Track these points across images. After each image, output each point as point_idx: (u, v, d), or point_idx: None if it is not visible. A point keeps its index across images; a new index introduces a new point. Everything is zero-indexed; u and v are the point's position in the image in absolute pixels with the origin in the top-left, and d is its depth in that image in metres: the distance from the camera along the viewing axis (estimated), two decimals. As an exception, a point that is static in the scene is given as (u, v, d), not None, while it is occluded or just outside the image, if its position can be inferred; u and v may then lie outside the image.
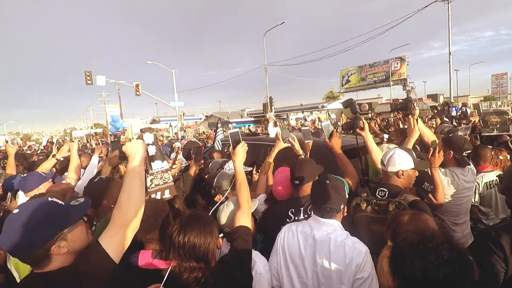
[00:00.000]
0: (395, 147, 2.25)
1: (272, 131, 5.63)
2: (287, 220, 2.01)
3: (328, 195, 1.65)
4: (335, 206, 1.66)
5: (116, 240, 1.21)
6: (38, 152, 10.84)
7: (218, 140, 6.51)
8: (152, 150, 1.53)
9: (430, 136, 3.13)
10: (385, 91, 38.50)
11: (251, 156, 2.76)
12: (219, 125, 6.88)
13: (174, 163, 2.56)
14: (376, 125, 6.91)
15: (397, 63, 33.90)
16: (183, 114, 29.82)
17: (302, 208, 2.05)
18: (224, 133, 6.93)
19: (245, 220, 1.69)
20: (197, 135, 23.03)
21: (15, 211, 1.17)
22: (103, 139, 24.24)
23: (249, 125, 40.09)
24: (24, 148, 16.33)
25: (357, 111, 2.76)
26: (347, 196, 1.76)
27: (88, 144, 21.56)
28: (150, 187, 1.89)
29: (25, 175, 3.16)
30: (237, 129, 2.15)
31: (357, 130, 2.66)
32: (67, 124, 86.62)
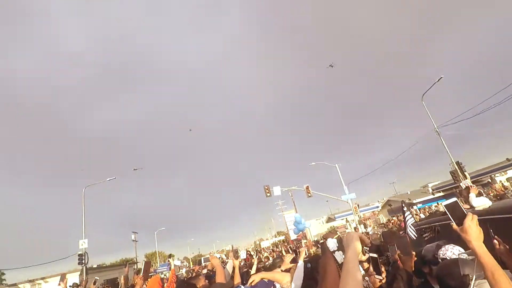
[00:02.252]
0: None
1: (478, 202, 4.33)
2: None
3: None
4: None
5: None
6: (241, 264, 12.40)
7: (409, 226, 5.38)
8: (339, 257, 1.28)
9: None
10: None
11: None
12: (404, 209, 5.79)
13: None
14: None
15: None
16: (358, 206, 28.25)
17: None
18: (410, 215, 5.77)
19: None
20: (382, 225, 20.57)
21: None
22: (290, 245, 25.51)
23: (439, 202, 32.98)
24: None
25: None
26: None
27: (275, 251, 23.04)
28: None
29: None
30: (454, 198, 1.56)
31: None
32: (255, 236, 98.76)
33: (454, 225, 1.48)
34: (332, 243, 1.44)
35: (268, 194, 24.98)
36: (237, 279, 3.87)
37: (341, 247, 1.56)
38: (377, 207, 46.63)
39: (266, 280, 2.66)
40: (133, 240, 34.91)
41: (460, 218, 1.47)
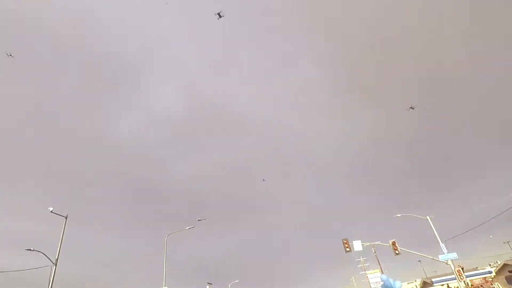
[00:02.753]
0: None
1: None
2: None
3: None
4: None
5: None
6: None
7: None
8: None
9: None
10: None
11: None
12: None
13: None
14: None
15: None
16: (462, 269, 23.21)
17: None
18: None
19: None
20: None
21: None
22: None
23: None
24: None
25: None
26: None
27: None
28: None
29: None
30: None
31: None
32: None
33: None
34: None
35: (348, 249, 22.67)
36: None
37: None
38: (490, 272, 37.52)
39: None
40: (208, 291, 35.01)
41: None
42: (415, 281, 46.53)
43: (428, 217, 24.50)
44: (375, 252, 32.28)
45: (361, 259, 45.66)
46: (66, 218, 19.43)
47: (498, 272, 35.27)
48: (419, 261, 46.54)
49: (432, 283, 40.09)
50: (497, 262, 38.95)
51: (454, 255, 22.12)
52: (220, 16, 34.58)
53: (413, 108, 39.61)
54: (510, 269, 30.73)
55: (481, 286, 27.66)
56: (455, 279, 22.66)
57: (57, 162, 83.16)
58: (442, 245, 22.69)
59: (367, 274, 40.92)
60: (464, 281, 22.06)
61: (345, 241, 22.84)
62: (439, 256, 22.32)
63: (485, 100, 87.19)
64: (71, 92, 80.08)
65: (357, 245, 22.62)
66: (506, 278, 30.51)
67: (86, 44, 76.21)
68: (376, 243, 25.52)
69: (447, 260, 21.88)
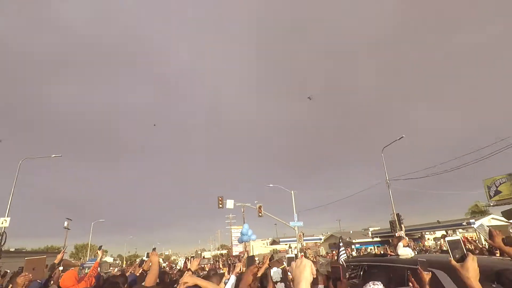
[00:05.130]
0: None
1: (402, 251, 5.04)
2: None
3: None
4: None
5: None
6: (175, 271, 12.41)
7: (341, 261, 6.00)
8: None
9: None
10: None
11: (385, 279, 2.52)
12: (341, 244, 6.43)
13: None
14: None
15: None
16: (303, 234, 29.23)
17: None
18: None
19: None
20: (319, 257, 21.50)
21: None
22: (230, 259, 25.53)
23: (376, 246, 35.10)
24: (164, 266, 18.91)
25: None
26: None
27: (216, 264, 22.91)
28: None
29: None
30: (458, 237, 1.96)
31: None
32: (199, 245, 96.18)
33: (453, 261, 1.61)
34: (276, 274, 1.58)
35: (220, 206, 25.03)
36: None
37: (284, 278, 1.60)
38: (320, 239, 48.44)
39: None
40: (65, 227, 32.17)
41: (460, 255, 1.69)
42: (267, 239, 55.46)
43: (292, 192, 29.32)
44: (243, 212, 36.55)
45: (230, 216, 50.90)
46: None
47: (325, 240, 46.09)
48: (275, 224, 55.41)
49: (279, 242, 48.84)
50: (327, 233, 50.53)
51: (300, 223, 27.57)
52: None
53: (310, 99, 44.74)
54: (332, 239, 40.72)
55: (310, 248, 35.56)
56: (296, 240, 28.44)
57: None
58: (295, 214, 27.81)
59: (231, 228, 46.22)
60: (301, 243, 27.97)
61: (220, 198, 25.09)
62: (290, 222, 27.36)
63: (364, 111, 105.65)
64: None
65: (230, 204, 25.28)
66: (329, 244, 40.24)
67: None
68: (246, 204, 29.01)
69: (295, 226, 27.09)
